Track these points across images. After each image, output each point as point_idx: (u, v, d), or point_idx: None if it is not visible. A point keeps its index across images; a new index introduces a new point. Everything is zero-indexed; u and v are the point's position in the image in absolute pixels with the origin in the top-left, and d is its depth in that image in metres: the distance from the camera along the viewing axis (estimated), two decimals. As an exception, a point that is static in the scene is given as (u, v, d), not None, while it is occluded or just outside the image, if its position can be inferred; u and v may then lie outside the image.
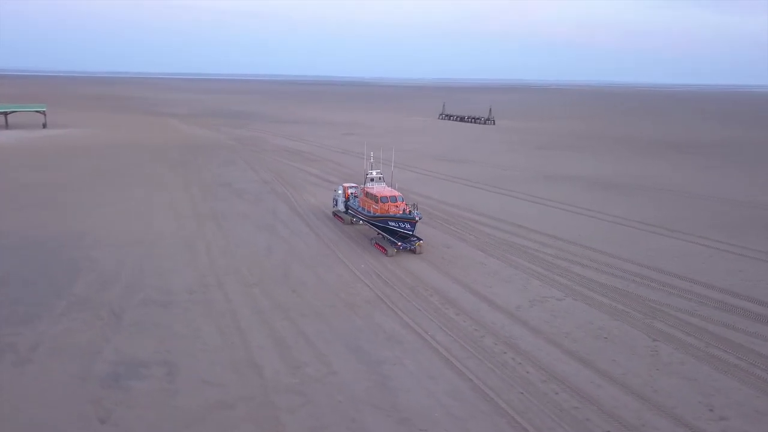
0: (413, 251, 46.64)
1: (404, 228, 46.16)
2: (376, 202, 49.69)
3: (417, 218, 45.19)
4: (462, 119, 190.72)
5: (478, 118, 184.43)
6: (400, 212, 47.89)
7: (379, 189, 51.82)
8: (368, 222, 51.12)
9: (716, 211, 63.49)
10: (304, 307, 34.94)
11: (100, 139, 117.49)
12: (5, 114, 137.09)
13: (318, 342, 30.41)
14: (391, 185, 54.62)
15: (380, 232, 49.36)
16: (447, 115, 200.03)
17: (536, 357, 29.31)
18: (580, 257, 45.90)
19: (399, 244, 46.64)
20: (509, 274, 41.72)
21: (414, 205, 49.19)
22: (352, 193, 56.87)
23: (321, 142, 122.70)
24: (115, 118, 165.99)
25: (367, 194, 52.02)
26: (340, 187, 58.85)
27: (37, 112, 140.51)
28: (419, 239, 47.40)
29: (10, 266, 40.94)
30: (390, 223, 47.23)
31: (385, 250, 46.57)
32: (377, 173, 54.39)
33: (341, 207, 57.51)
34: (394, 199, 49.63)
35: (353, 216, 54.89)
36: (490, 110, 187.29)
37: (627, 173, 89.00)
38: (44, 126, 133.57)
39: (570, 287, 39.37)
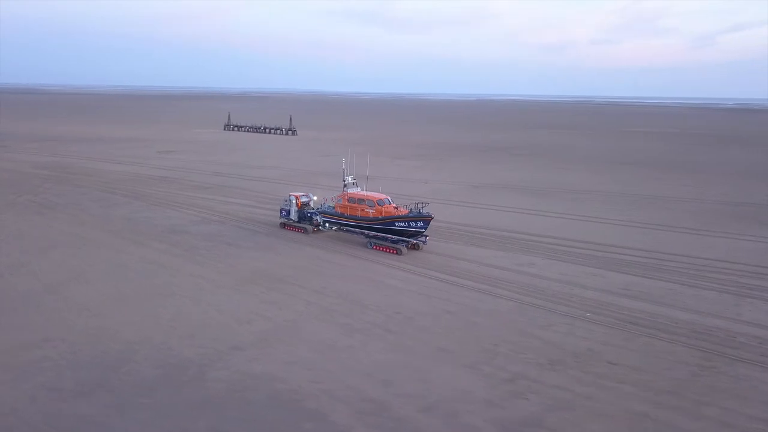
0: (416, 247, 48.87)
1: (417, 227, 47.88)
2: (371, 206, 50.46)
3: (432, 216, 47.83)
4: (258, 130, 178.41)
5: (278, 129, 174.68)
6: (404, 212, 49.09)
7: (369, 193, 52.71)
8: (359, 227, 51.33)
9: (688, 210, 70.48)
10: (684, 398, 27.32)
11: None
12: None
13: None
14: (365, 190, 54.71)
15: (375, 234, 50.14)
16: (235, 126, 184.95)
17: None
18: (713, 269, 45.74)
19: (413, 241, 48.67)
20: (715, 298, 39.40)
21: (422, 203, 49.81)
22: (306, 202, 56.58)
23: (161, 164, 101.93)
24: None
25: (350, 199, 52.02)
26: (292, 196, 56.55)
27: None
28: (426, 236, 49.27)
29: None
30: (397, 223, 48.22)
31: (396, 251, 47.86)
32: (352, 179, 54.77)
33: (294, 217, 55.79)
34: (388, 201, 51.16)
35: (317, 225, 54.58)
36: (291, 120, 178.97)
37: (532, 178, 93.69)
38: None
39: (782, 300, 38.91)
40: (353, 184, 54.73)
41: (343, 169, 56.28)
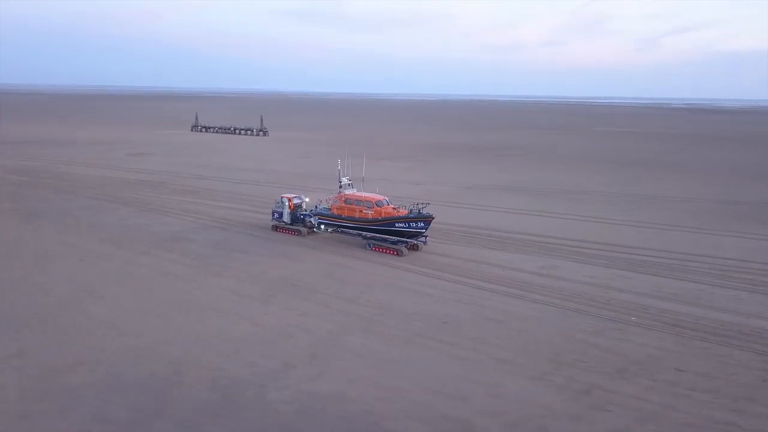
0: (415, 248, 48.67)
1: (417, 227, 47.81)
2: (370, 207, 50.04)
3: (433, 216, 47.68)
4: (228, 130, 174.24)
5: (248, 129, 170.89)
6: (404, 213, 48.78)
7: (367, 194, 52.18)
8: (359, 228, 50.75)
9: (686, 209, 71.39)
10: None
11: None
12: None
13: None
14: (361, 191, 54.04)
15: (374, 235, 49.77)
16: (203, 127, 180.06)
17: None
18: (733, 268, 45.97)
19: (414, 242, 48.50)
20: (748, 298, 39.56)
21: (422, 204, 49.46)
22: (298, 203, 55.52)
23: (138, 167, 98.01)
24: None
25: (347, 201, 51.49)
26: (284, 198, 55.46)
27: None
28: (426, 236, 49.03)
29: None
30: (397, 224, 48.08)
31: (397, 252, 47.63)
32: (347, 180, 54.14)
33: (287, 219, 54.74)
34: (387, 202, 50.88)
35: (311, 227, 53.77)
36: (262, 120, 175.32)
37: (523, 179, 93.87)
38: None
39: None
40: (349, 185, 54.02)
41: (339, 170, 55.40)
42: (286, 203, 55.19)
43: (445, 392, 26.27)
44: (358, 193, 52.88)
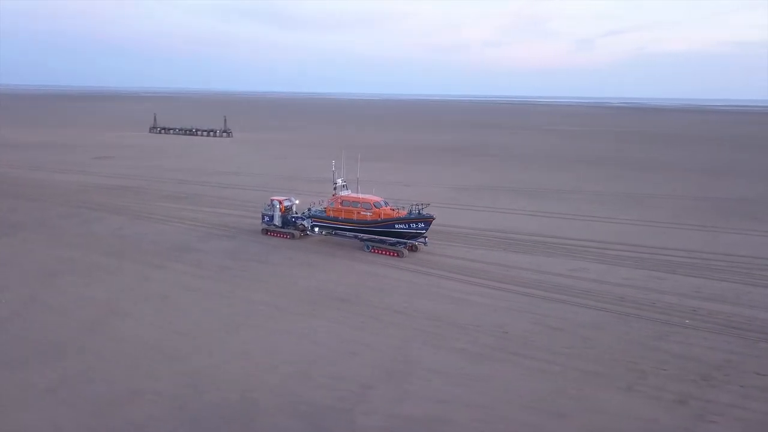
0: (414, 248, 48.25)
1: (418, 228, 47.06)
2: (368, 208, 49.07)
3: (433, 217, 46.94)
4: (189, 132, 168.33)
5: (211, 131, 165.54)
6: (403, 214, 48.03)
7: (364, 195, 51.23)
8: (357, 230, 49.55)
9: (677, 207, 72.55)
10: None
11: None
12: None
13: None
14: (357, 192, 52.85)
15: (371, 237, 48.88)
16: (162, 128, 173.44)
17: None
18: (756, 266, 46.46)
19: (414, 243, 48.00)
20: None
21: (422, 204, 48.50)
22: (289, 206, 54.16)
23: (110, 171, 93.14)
24: None
25: (344, 202, 50.35)
26: (275, 201, 54.08)
27: None
28: (426, 237, 48.22)
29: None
30: (397, 225, 47.30)
31: (397, 253, 47.13)
32: (342, 181, 53.04)
33: (278, 222, 53.30)
34: (385, 203, 50.15)
35: (303, 230, 52.54)
36: (225, 121, 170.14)
37: (509, 179, 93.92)
38: None
39: None
40: (344, 186, 52.91)
41: (333, 171, 54.33)
42: (277, 206, 53.71)
43: (542, 409, 24.97)
44: (355, 195, 51.65)
